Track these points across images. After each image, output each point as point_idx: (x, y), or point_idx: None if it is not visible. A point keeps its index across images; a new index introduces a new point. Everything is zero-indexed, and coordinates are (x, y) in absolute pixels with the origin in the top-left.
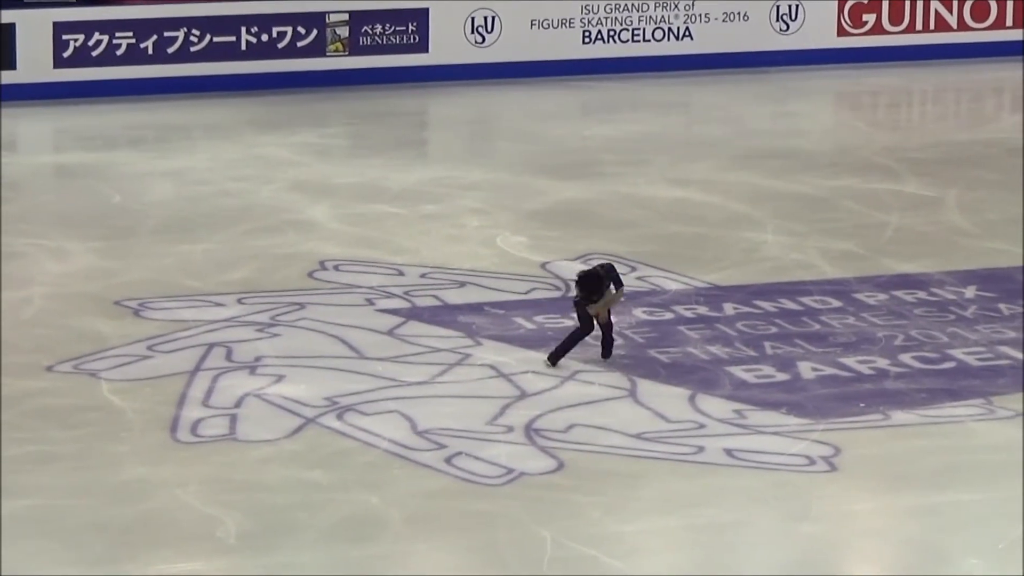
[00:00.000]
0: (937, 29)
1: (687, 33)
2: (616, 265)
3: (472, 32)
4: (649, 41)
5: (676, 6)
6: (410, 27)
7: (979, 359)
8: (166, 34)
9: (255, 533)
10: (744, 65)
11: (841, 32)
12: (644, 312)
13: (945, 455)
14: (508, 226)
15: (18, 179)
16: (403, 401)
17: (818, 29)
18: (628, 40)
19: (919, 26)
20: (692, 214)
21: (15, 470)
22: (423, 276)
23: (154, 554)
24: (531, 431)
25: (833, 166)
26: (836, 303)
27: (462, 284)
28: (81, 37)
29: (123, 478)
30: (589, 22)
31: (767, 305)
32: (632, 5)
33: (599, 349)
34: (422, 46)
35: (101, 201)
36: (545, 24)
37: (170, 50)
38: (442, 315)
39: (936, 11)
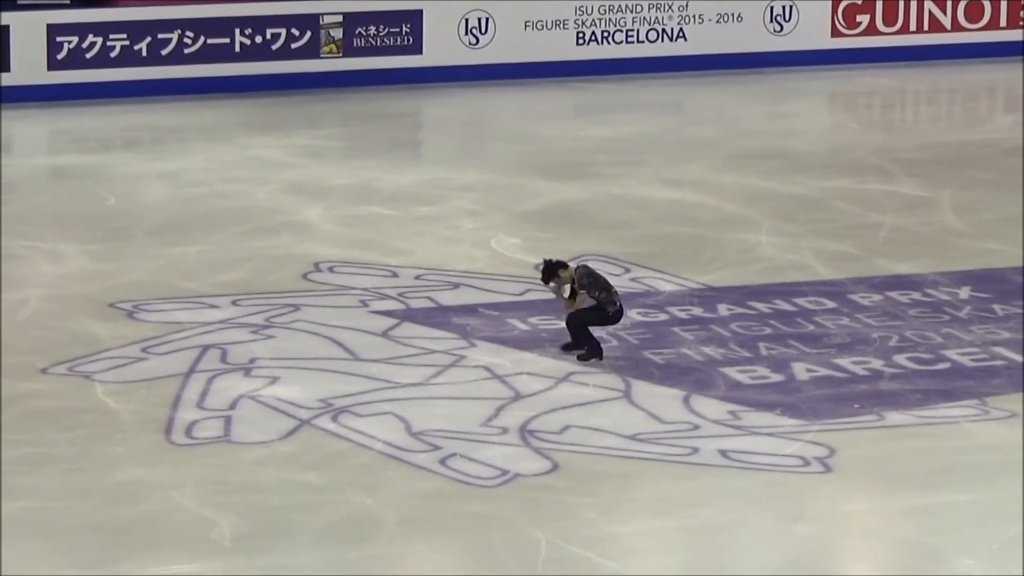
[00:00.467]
0: (931, 30)
1: (681, 34)
2: (610, 266)
3: (466, 33)
4: (643, 42)
5: (670, 7)
6: (404, 29)
7: (974, 360)
8: (160, 36)
9: (250, 535)
10: (738, 66)
11: (835, 33)
12: (638, 313)
13: (940, 456)
14: (502, 227)
15: (13, 181)
16: (398, 403)
17: (812, 30)
18: (622, 41)
19: (913, 27)
20: (686, 215)
21: (11, 472)
22: (417, 278)
23: (149, 556)
24: (525, 432)
25: (827, 167)
26: (830, 304)
27: (456, 286)
28: (75, 39)
29: (118, 480)
30: (583, 23)
31: (761, 306)
32: (626, 6)
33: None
34: (416, 48)
35: (96, 203)
36: (539, 25)
37: (164, 52)
38: (436, 317)
39: (930, 12)
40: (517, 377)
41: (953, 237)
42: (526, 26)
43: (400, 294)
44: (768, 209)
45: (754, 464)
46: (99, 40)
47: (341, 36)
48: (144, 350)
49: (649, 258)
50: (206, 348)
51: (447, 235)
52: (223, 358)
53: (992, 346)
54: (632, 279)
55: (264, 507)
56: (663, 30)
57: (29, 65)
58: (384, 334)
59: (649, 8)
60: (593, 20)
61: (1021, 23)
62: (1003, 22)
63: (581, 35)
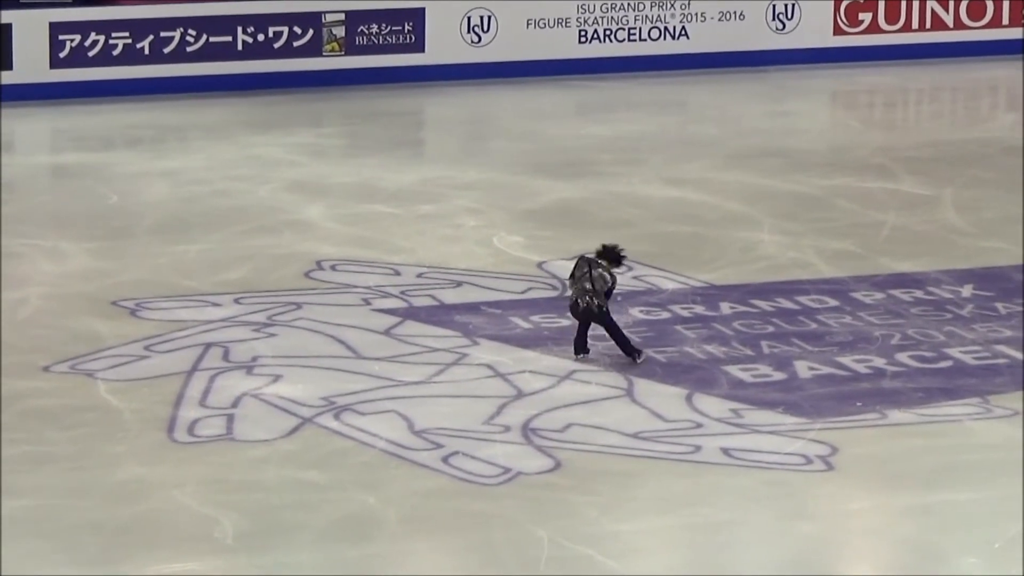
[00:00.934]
0: (933, 28)
1: (683, 32)
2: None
3: (468, 32)
4: (645, 40)
5: (672, 5)
6: (406, 27)
7: (976, 358)
8: (162, 34)
9: (252, 533)
10: (740, 64)
11: (837, 31)
12: (641, 311)
13: (942, 454)
14: (504, 226)
15: (14, 180)
16: (400, 401)
17: (814, 28)
18: (624, 39)
19: (915, 25)
20: (688, 213)
21: (12, 470)
22: (420, 276)
23: (151, 554)
24: (528, 431)
25: (829, 165)
26: (833, 302)
27: (459, 284)
28: (77, 37)
29: (120, 478)
30: (585, 21)
31: (764, 304)
32: (628, 4)
33: (595, 348)
34: (418, 46)
35: (98, 201)
36: (541, 24)
37: (166, 50)
38: (439, 315)
39: (932, 10)
40: (519, 375)
41: (955, 235)
42: (528, 24)
43: (402, 292)
44: (770, 207)
45: (756, 462)
46: (101, 38)
47: (343, 34)
48: (146, 348)
49: (651, 257)
50: (208, 346)
51: (449, 233)
52: (225, 356)
53: (994, 344)
54: (634, 277)
55: (266, 505)
56: (665, 28)
57: (31, 63)
58: (386, 332)
59: (651, 6)
60: (595, 18)
61: (1023, 21)
62: (1005, 20)
63: (583, 33)
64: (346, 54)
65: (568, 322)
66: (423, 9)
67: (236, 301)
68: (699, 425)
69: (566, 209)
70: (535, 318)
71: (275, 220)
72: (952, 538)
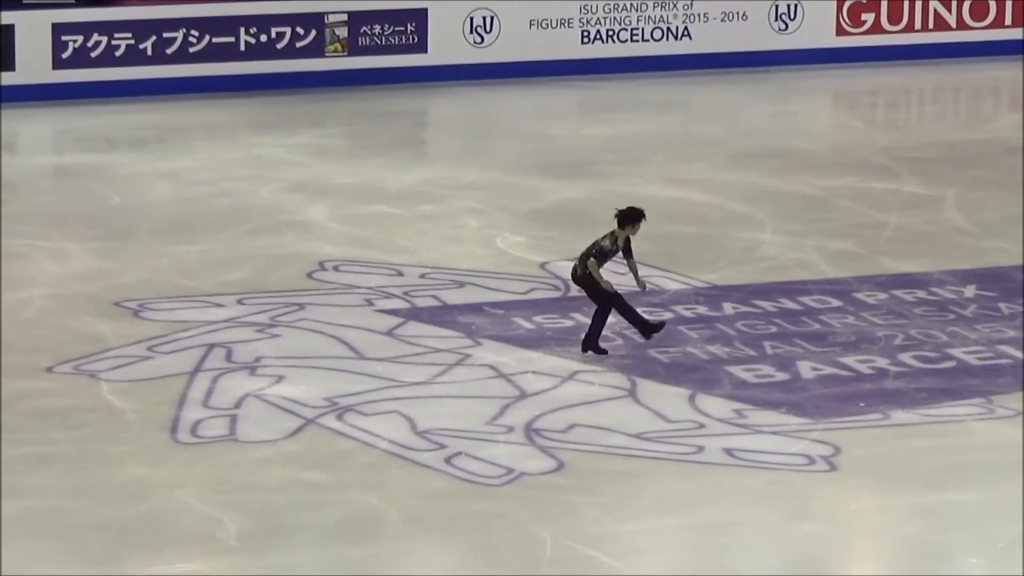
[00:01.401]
0: (936, 28)
1: (686, 33)
2: (615, 264)
3: (471, 32)
4: (648, 41)
5: (675, 6)
6: (409, 27)
7: (979, 358)
8: (165, 35)
9: (255, 533)
10: (742, 65)
11: (840, 31)
12: (644, 312)
13: (945, 454)
14: (507, 226)
15: (17, 180)
16: (403, 401)
17: (817, 28)
18: (627, 40)
19: (918, 25)
20: (690, 214)
21: (14, 471)
22: (422, 276)
23: (154, 555)
24: (531, 431)
25: (831, 165)
26: (836, 302)
27: (461, 284)
28: (80, 38)
29: (123, 479)
30: (588, 22)
31: (766, 304)
32: (631, 5)
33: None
34: (421, 46)
35: (100, 202)
36: (544, 24)
37: (169, 51)
38: (441, 315)
39: (935, 10)
40: (522, 376)
41: (958, 236)
42: (531, 25)
43: (405, 293)
44: (772, 208)
45: (759, 463)
46: (104, 39)
47: (346, 35)
48: (149, 349)
49: (654, 257)
50: (211, 347)
51: (452, 234)
52: (228, 357)
53: (997, 344)
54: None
55: (269, 506)
56: (668, 29)
57: (34, 64)
58: (389, 333)
59: (654, 7)
60: (598, 19)
61: None
62: (1008, 20)
63: (586, 34)
64: (349, 55)
65: (571, 322)
66: (426, 10)
67: (239, 302)
68: (702, 426)
69: (569, 209)
70: (538, 319)
71: (277, 220)
72: (955, 538)
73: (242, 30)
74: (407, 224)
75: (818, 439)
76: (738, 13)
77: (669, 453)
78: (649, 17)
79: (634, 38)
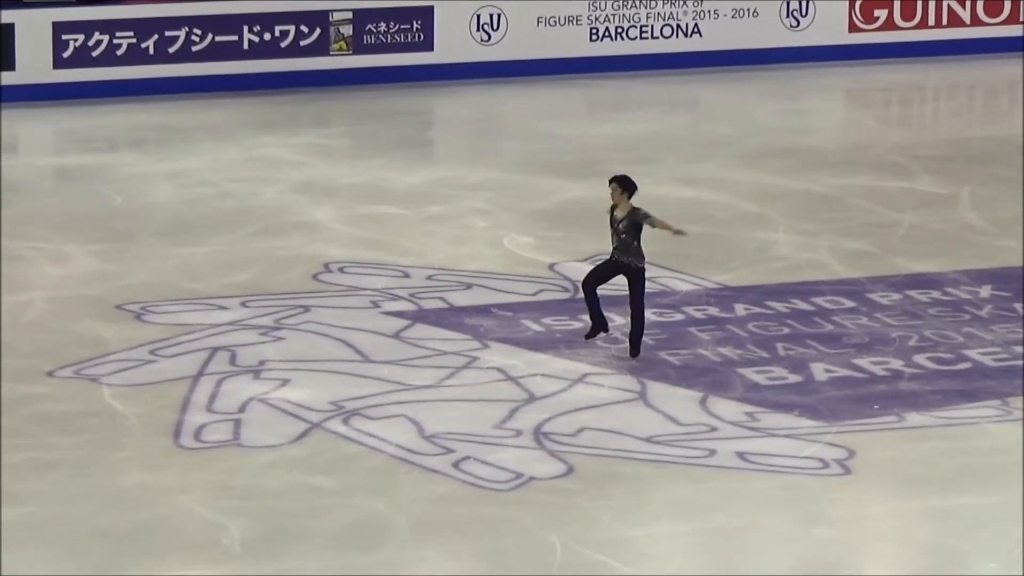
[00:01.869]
0: (950, 24)
1: (696, 30)
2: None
3: (478, 30)
4: (657, 38)
5: (684, 3)
6: (415, 25)
7: (995, 359)
8: (167, 33)
9: (260, 540)
10: (753, 62)
11: (852, 28)
12: (654, 313)
13: (961, 457)
14: (515, 227)
15: (18, 181)
16: (410, 405)
17: (829, 25)
18: (636, 37)
19: (931, 21)
20: (701, 213)
21: (15, 477)
22: (429, 278)
23: (157, 562)
24: (540, 435)
25: (844, 164)
26: (849, 303)
27: (468, 286)
28: (81, 37)
29: (125, 485)
30: (596, 19)
31: (779, 306)
32: (640, 2)
33: (608, 350)
34: (427, 44)
35: (102, 203)
36: (552, 21)
37: (171, 50)
38: (449, 317)
39: (949, 6)
40: (531, 379)
41: (973, 235)
42: (538, 22)
43: (412, 295)
44: (784, 207)
45: (772, 466)
46: (105, 38)
47: (351, 33)
48: (152, 352)
49: (664, 257)
50: (215, 350)
51: (458, 235)
52: (232, 360)
53: (1014, 345)
54: (648, 279)
55: (274, 512)
56: (677, 26)
57: (34, 64)
58: (395, 335)
59: (663, 4)
60: (606, 16)
61: None
62: (1023, 16)
63: (594, 31)
64: (354, 53)
65: (580, 324)
66: (432, 7)
67: (243, 304)
68: (714, 429)
69: (577, 209)
70: (546, 320)
71: (282, 222)
72: (972, 542)
73: (245, 28)
74: (413, 225)
75: (832, 442)
76: (749, 10)
77: (680, 457)
78: (658, 14)
79: (643, 35)
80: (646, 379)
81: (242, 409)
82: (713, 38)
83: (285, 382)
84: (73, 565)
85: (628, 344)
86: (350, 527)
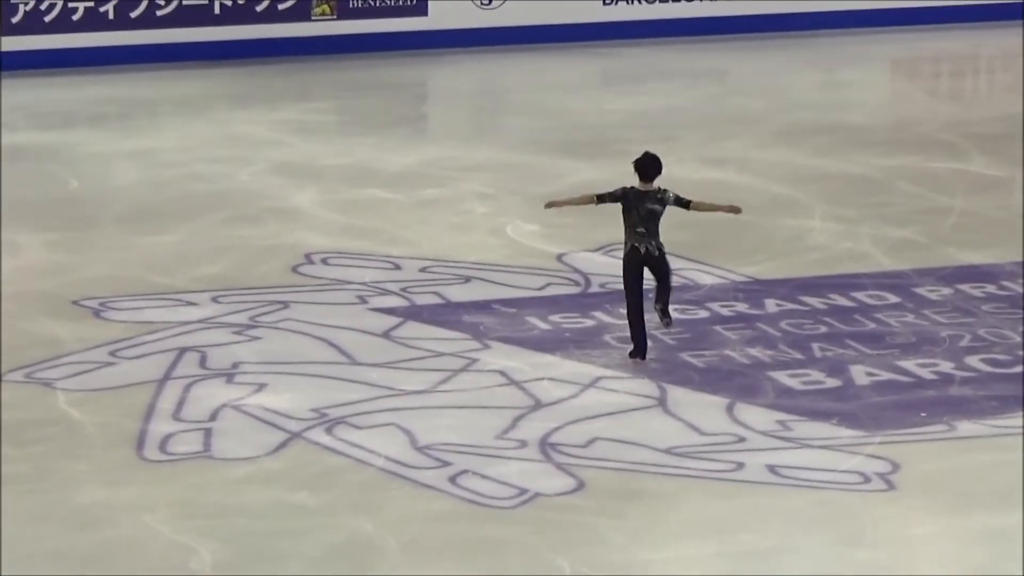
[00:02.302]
0: None
1: None
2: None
3: None
4: (679, 1)
5: None
6: None
7: None
8: None
9: (233, 564)
10: (787, 28)
11: None
12: (675, 310)
13: (1017, 471)
14: (519, 213)
15: None
16: (401, 413)
17: None
18: (654, 1)
19: None
20: (729, 198)
21: None
22: (423, 270)
23: None
24: (547, 446)
25: (889, 143)
26: (893, 299)
27: (467, 279)
28: (32, 1)
29: (82, 501)
30: None
31: (815, 301)
32: None
33: (623, 351)
34: (420, 8)
35: (56, 187)
36: None
37: (133, 15)
38: (445, 314)
39: None
40: (537, 383)
41: None
42: None
43: (403, 289)
44: (822, 191)
45: (807, 481)
46: (59, 2)
47: None
48: (112, 354)
49: (687, 247)
50: (183, 351)
51: (456, 221)
52: (202, 362)
53: None
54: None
55: (249, 532)
56: None
57: None
58: (385, 335)
59: None
60: None
61: None
62: None
63: None
64: (338, 18)
65: (591, 322)
66: None
67: (214, 300)
68: (742, 439)
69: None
70: (554, 318)
71: (258, 207)
72: None
73: None
74: (406, 211)
75: (874, 454)
76: None
77: (704, 471)
78: None
79: None
80: (666, 383)
81: (213, 417)
82: (743, 2)
83: (261, 387)
84: None
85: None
86: (334, 549)
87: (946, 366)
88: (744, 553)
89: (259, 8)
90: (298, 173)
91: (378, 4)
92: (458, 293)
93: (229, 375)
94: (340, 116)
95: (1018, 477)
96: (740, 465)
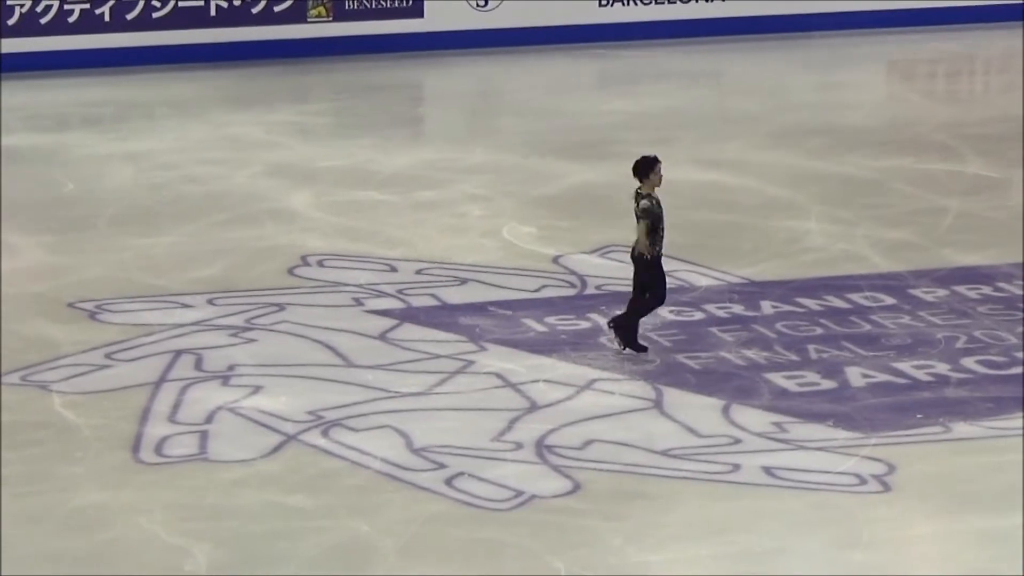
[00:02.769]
0: None
1: None
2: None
3: None
4: (675, 3)
5: None
6: None
7: None
8: None
9: (229, 565)
10: (784, 30)
11: None
12: (671, 312)
13: (1014, 472)
14: (515, 215)
15: None
16: (397, 415)
17: None
18: (651, 2)
19: None
20: (725, 200)
21: None
22: (419, 272)
23: None
24: (543, 448)
25: (885, 144)
26: (889, 300)
27: (463, 281)
28: (28, 2)
29: (78, 504)
30: None
31: (811, 303)
32: None
33: (619, 353)
34: (416, 10)
35: (52, 189)
36: None
37: (129, 16)
38: (441, 316)
39: None
40: (533, 385)
41: None
42: None
43: (399, 291)
44: (818, 193)
45: (803, 483)
46: (55, 3)
47: None
48: (108, 356)
49: (683, 249)
50: (178, 354)
51: (452, 223)
52: (198, 365)
53: None
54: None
55: (244, 535)
56: None
57: None
58: (381, 337)
59: None
60: None
61: None
62: None
63: None
64: (334, 20)
65: (587, 324)
66: None
67: (210, 302)
68: (738, 441)
69: (586, 195)
70: (550, 320)
71: (255, 209)
72: None
73: None
74: (402, 213)
75: (870, 456)
76: None
77: (700, 472)
78: None
79: (659, 0)
80: (662, 385)
81: (209, 420)
82: (739, 3)
83: (257, 389)
84: None
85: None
86: (330, 552)
87: (942, 368)
88: (740, 555)
89: (255, 10)
90: (294, 175)
91: (374, 6)
92: (454, 295)
93: (225, 377)
94: (336, 118)
95: (1012, 479)
96: (736, 467)
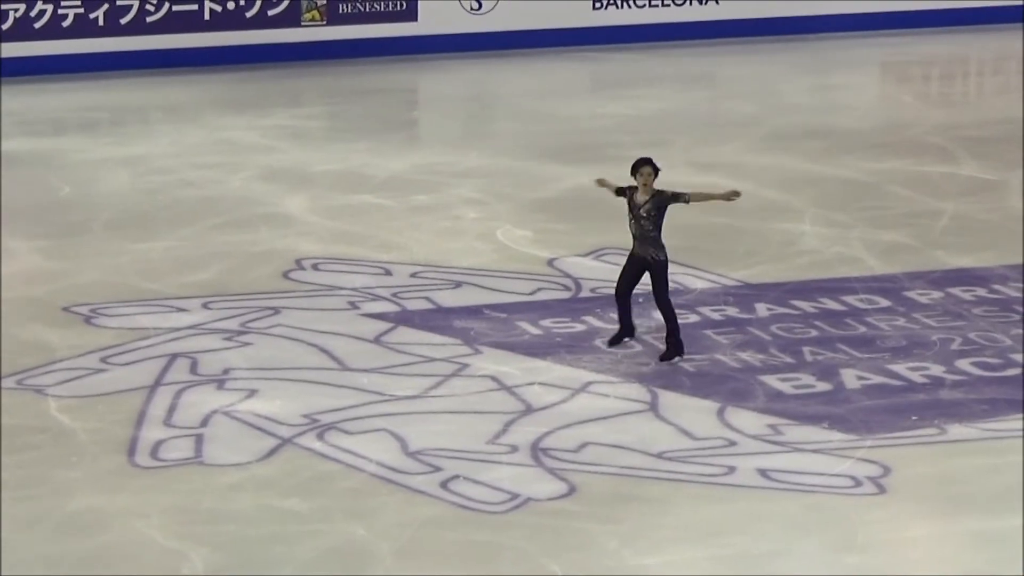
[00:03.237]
0: None
1: None
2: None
3: None
4: (669, 6)
5: None
6: None
7: None
8: (119, 3)
9: (225, 569)
10: (778, 32)
11: None
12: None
13: (1010, 474)
14: (510, 218)
15: None
16: (392, 418)
17: None
18: (645, 5)
19: None
20: (719, 203)
21: None
22: (413, 275)
23: None
24: (538, 451)
25: (879, 147)
26: (884, 302)
27: (458, 284)
28: (22, 7)
29: (74, 508)
30: None
31: (806, 305)
32: None
33: (614, 355)
34: (410, 14)
35: (48, 193)
36: None
37: (124, 21)
38: (436, 319)
39: None
40: (528, 388)
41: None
42: None
43: (394, 294)
44: (813, 195)
45: (798, 485)
46: (49, 8)
47: (325, 1)
48: (103, 360)
49: (678, 252)
50: (174, 357)
51: (447, 227)
52: (193, 369)
53: None
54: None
55: (240, 538)
56: None
57: None
58: (376, 340)
59: None
60: None
61: None
62: None
63: None
64: (328, 24)
65: (582, 327)
66: None
67: (205, 306)
68: (733, 443)
69: (580, 199)
70: (545, 323)
71: (249, 213)
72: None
73: None
74: (396, 216)
75: (865, 458)
76: None
77: (695, 475)
78: None
79: (653, 3)
80: (657, 388)
81: (204, 423)
82: (732, 5)
83: (252, 393)
84: None
85: (666, 347)
86: (326, 555)
87: (937, 370)
88: (736, 557)
89: (249, 14)
90: (289, 179)
91: (368, 10)
92: (449, 298)
93: (220, 381)
94: (330, 122)
95: (1008, 480)
96: (731, 469)
